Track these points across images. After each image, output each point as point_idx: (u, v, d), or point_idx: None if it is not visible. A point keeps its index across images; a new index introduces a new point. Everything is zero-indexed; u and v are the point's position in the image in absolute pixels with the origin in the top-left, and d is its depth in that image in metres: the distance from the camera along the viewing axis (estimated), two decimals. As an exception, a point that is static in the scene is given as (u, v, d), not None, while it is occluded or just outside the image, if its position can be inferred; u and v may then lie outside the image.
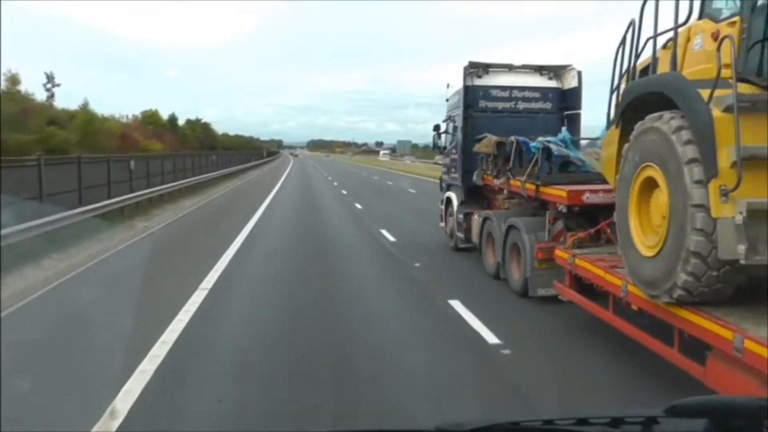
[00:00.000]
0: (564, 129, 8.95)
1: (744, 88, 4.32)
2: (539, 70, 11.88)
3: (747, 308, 4.40)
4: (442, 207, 13.17)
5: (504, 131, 10.00)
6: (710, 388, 4.36)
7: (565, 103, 11.49)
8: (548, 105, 11.61)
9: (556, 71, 11.83)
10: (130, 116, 50.85)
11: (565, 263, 6.75)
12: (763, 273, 4.34)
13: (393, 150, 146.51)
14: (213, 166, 35.89)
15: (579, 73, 11.36)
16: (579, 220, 7.50)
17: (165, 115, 56.74)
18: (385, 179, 42.80)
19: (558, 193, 7.63)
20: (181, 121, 62.26)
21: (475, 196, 11.33)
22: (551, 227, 7.75)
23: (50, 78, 41.41)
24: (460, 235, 11.61)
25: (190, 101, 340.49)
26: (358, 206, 21.64)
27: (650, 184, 4.74)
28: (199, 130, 66.12)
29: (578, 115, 11.37)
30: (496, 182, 9.70)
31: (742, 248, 3.81)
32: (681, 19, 4.86)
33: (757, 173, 3.90)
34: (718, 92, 4.04)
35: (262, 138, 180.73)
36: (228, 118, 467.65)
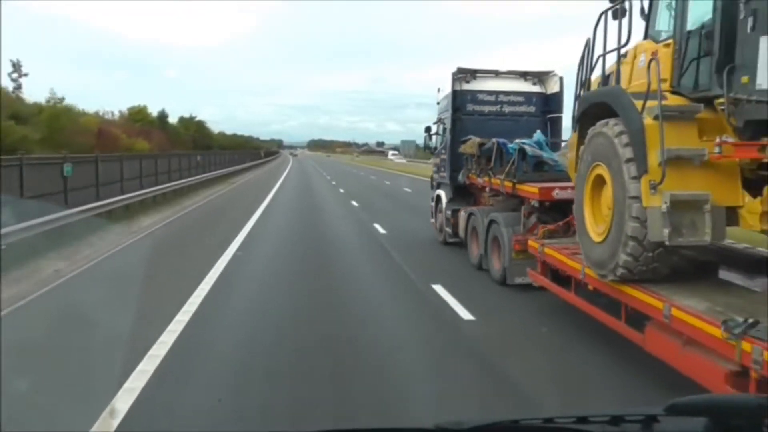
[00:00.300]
0: (538, 132, 9.76)
1: (676, 100, 5.15)
2: (524, 75, 12.69)
3: (680, 284, 5.21)
4: (433, 204, 13.99)
5: (490, 133, 10.78)
6: (649, 351, 5.18)
7: (548, 106, 12.31)
8: (532, 108, 12.41)
9: (539, 77, 12.63)
10: (116, 112, 47.30)
11: (536, 252, 7.57)
12: (693, 254, 5.19)
13: (396, 150, 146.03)
14: (198, 169, 31.63)
15: (561, 79, 12.17)
16: (550, 213, 8.32)
17: (155, 112, 52.71)
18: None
19: (531, 189, 8.47)
20: (173, 119, 59.48)
21: (463, 193, 12.13)
22: (526, 221, 8.58)
23: (16, 66, 36.24)
24: (448, 230, 12.42)
25: (190, 101, 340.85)
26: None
27: (600, 181, 5.57)
28: (193, 128, 62.65)
29: (560, 118, 12.18)
30: (479, 180, 10.53)
31: (666, 232, 4.63)
32: (632, 39, 5.70)
33: (680, 170, 4.71)
34: (649, 103, 4.87)
35: (262, 138, 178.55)
36: (228, 118, 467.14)
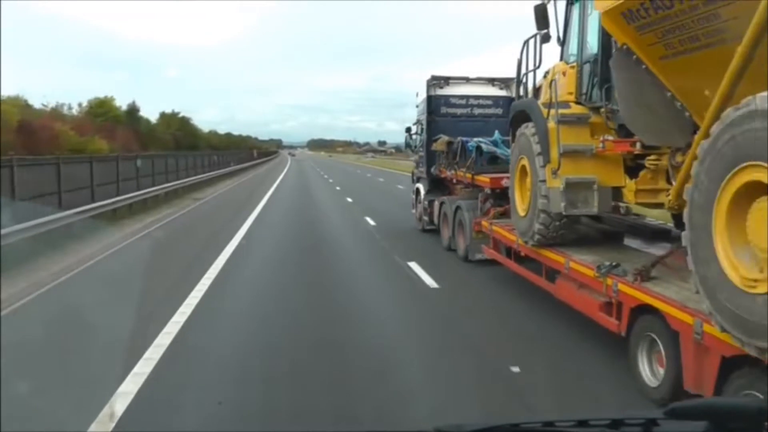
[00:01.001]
0: (497, 132, 11.49)
1: (578, 109, 6.88)
2: (491, 81, 14.37)
3: (586, 247, 6.91)
4: (413, 196, 15.72)
5: (462, 133, 12.45)
6: (558, 298, 6.91)
7: None
8: (499, 111, 14.05)
9: (506, 82, 14.31)
10: (77, 106, 39.91)
11: (487, 230, 9.32)
12: (605, 226, 6.96)
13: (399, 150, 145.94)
14: (137, 181, 21.41)
15: (524, 84, 13.93)
16: (501, 199, 10.04)
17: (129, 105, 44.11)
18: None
19: (485, 179, 10.21)
20: (153, 114, 53.73)
21: (438, 186, 13.83)
22: (482, 206, 10.30)
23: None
24: (426, 218, 14.15)
25: (190, 101, 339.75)
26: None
27: (524, 170, 7.31)
28: (176, 125, 55.24)
29: None
30: (448, 173, 12.27)
31: (563, 205, 6.37)
32: (554, 58, 7.47)
33: (575, 160, 6.45)
34: (552, 112, 6.61)
35: (261, 137, 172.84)
36: (228, 118, 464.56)
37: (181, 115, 60.17)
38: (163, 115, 56.91)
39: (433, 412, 4.55)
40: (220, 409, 4.75)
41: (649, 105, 5.25)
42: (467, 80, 14.34)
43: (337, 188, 32.48)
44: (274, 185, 34.03)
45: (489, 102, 14.16)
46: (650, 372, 5.08)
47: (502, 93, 14.34)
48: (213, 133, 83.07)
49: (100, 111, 38.56)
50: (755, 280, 3.69)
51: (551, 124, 6.58)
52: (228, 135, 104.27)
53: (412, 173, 16.38)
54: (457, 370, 5.66)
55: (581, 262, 6.28)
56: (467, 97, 14.13)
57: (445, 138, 12.40)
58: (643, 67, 5.22)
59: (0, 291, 7.90)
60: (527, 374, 5.48)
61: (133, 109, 43.87)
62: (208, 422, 4.60)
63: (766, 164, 3.57)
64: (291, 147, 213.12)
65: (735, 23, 4.01)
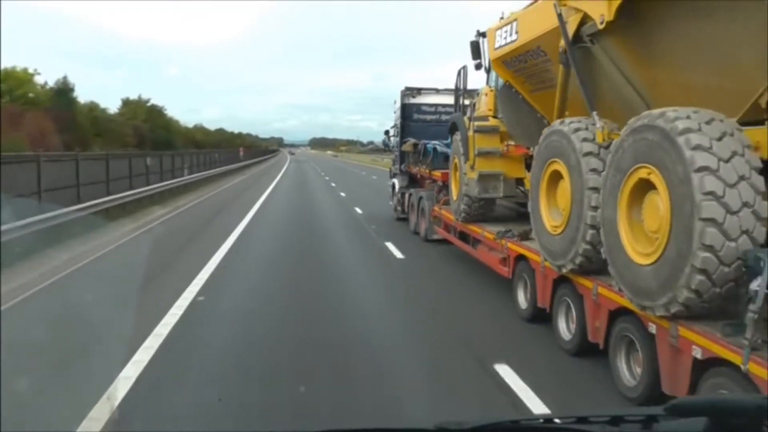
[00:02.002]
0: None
1: (494, 122, 9.46)
2: (469, 92, 17.01)
3: (501, 223, 9.46)
4: (390, 189, 18.30)
5: (431, 136, 14.98)
6: (477, 258, 9.48)
7: None
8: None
9: (470, 93, 16.95)
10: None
11: (438, 214, 11.91)
12: (523, 209, 9.52)
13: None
14: None
15: (484, 95, 16.55)
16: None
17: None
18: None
19: (437, 174, 12.79)
20: (113, 104, 45.38)
21: (410, 180, 16.40)
22: (437, 196, 12.88)
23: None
24: (399, 208, 16.73)
25: (191, 99, 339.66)
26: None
27: (456, 166, 9.92)
28: (143, 115, 45.04)
29: None
30: (414, 170, 14.85)
31: (477, 190, 8.97)
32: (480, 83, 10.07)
33: (486, 159, 9.03)
34: (472, 124, 9.21)
35: (262, 136, 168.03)
36: (230, 116, 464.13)
37: (151, 103, 49.25)
38: (126, 103, 45.47)
39: (432, 406, 4.79)
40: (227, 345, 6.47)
41: (525, 121, 7.83)
42: (437, 91, 16.88)
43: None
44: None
45: (454, 110, 16.79)
46: (523, 297, 7.61)
47: (466, 102, 16.97)
48: (199, 128, 75.23)
49: (18, 92, 27.63)
50: (647, 256, 4.68)
51: (471, 132, 9.18)
52: (220, 131, 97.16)
53: (390, 170, 18.96)
54: (409, 298, 8.56)
55: (489, 231, 8.87)
56: (436, 105, 16.66)
57: (412, 140, 14.99)
58: (520, 96, 7.81)
59: (0, 288, 8.16)
60: (450, 294, 8.13)
61: (64, 89, 31.22)
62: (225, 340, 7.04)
63: (653, 167, 4.56)
64: (292, 146, 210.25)
65: (553, 77, 6.61)
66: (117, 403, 4.82)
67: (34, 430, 4.31)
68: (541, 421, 1.66)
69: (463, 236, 10.42)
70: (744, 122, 4.77)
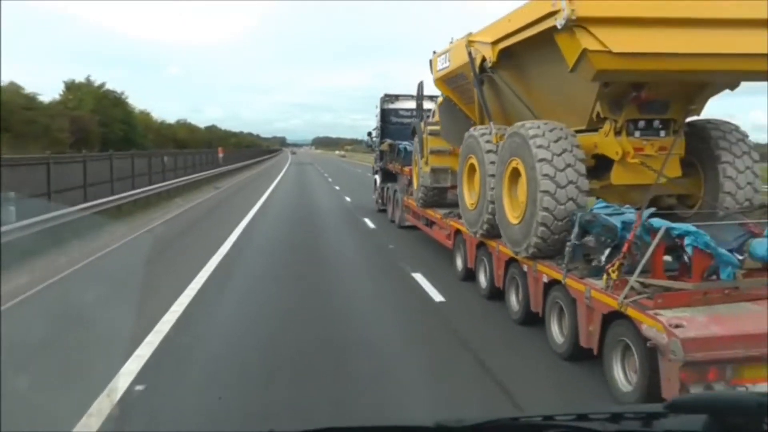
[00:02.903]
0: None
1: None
2: (432, 98, 19.28)
3: (450, 206, 11.78)
4: (373, 185, 20.61)
5: (406, 137, 17.17)
6: (433, 237, 11.79)
7: None
8: None
9: (435, 100, 19.28)
10: None
11: (407, 204, 14.24)
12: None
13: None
14: None
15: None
16: (418, 183, 14.97)
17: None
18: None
19: (407, 170, 15.09)
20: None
21: (388, 176, 18.69)
22: (407, 188, 15.19)
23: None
24: (380, 200, 19.05)
25: (193, 99, 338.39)
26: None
27: (416, 162, 12.25)
28: (90, 104, 35.26)
29: None
30: (390, 167, 17.17)
31: (430, 181, 11.31)
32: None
33: (437, 156, 11.35)
34: (427, 128, 11.53)
35: (264, 135, 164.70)
36: (232, 116, 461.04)
37: (105, 88, 39.13)
38: (70, 87, 36.21)
39: (432, 403, 4.99)
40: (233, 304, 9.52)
41: (461, 126, 10.11)
42: (413, 97, 19.19)
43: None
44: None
45: (428, 114, 19.10)
46: (460, 261, 9.86)
47: (431, 107, 19.30)
48: (183, 125, 66.51)
49: None
50: (513, 214, 7.15)
51: (425, 135, 11.51)
52: (212, 128, 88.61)
53: (373, 167, 21.29)
54: (379, 255, 11.17)
55: (439, 213, 11.18)
56: (411, 110, 18.93)
57: (388, 141, 17.32)
58: (457, 107, 10.13)
59: (0, 286, 8.40)
60: (397, 245, 10.51)
61: None
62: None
63: (518, 159, 6.85)
64: (295, 145, 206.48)
65: (473, 95, 8.94)
66: (118, 397, 4.94)
67: (34, 429, 4.28)
68: (541, 418, 1.64)
69: (427, 222, 12.77)
70: (588, 129, 7.12)
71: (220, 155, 40.88)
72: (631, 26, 5.85)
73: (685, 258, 5.45)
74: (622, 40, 5.77)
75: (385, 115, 18.81)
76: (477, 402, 5.09)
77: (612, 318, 5.34)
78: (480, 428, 1.56)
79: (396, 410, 4.80)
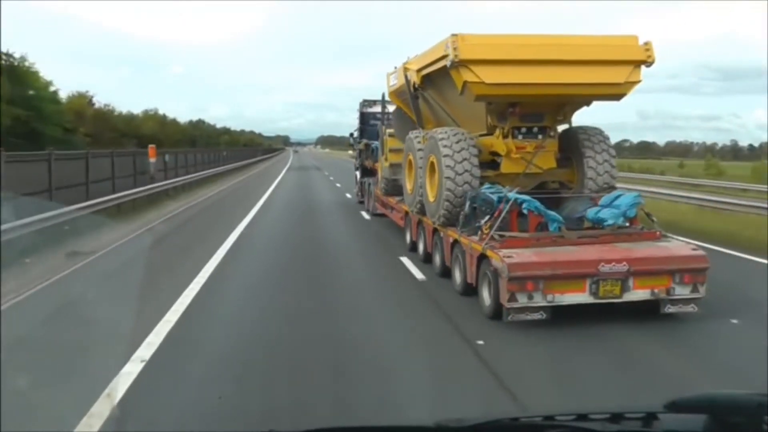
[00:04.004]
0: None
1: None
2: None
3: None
4: (355, 180, 23.43)
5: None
6: (391, 219, 14.59)
7: None
8: None
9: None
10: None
11: (376, 194, 17.03)
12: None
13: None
14: None
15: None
16: (387, 176, 17.76)
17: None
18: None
19: (377, 166, 17.90)
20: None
21: (367, 172, 21.48)
22: (378, 182, 17.98)
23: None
24: (359, 194, 21.86)
25: (197, 98, 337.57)
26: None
27: (380, 159, 15.06)
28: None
29: None
30: (366, 163, 19.98)
31: (389, 173, 14.11)
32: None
33: (395, 154, 14.12)
34: (386, 131, 14.34)
35: (267, 134, 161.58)
36: (236, 115, 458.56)
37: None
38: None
39: (433, 403, 4.92)
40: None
41: (407, 130, 12.85)
42: (390, 102, 22.03)
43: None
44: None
45: (389, 119, 21.89)
46: (408, 236, 12.63)
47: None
48: (152, 116, 53.39)
49: None
50: (431, 195, 10.22)
51: (385, 137, 14.31)
52: (198, 124, 72.79)
53: (354, 164, 24.11)
54: (361, 229, 13.58)
55: (395, 199, 13.96)
56: (388, 113, 21.79)
57: (365, 141, 20.13)
58: (407, 115, 12.92)
59: (0, 286, 8.46)
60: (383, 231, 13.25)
61: None
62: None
63: (433, 155, 10.30)
64: (299, 144, 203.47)
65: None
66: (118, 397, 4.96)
67: (34, 429, 4.29)
68: (541, 418, 1.63)
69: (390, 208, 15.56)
70: (487, 133, 9.91)
71: (151, 161, 23.64)
72: (499, 65, 8.64)
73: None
74: (491, 75, 8.57)
75: (363, 117, 21.59)
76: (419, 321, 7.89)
77: (480, 259, 8.11)
78: (480, 428, 1.55)
79: (396, 410, 4.85)
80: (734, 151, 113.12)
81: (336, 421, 4.08)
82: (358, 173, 22.49)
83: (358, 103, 21.78)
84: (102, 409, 4.75)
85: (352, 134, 24.04)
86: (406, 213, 12.70)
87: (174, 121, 60.56)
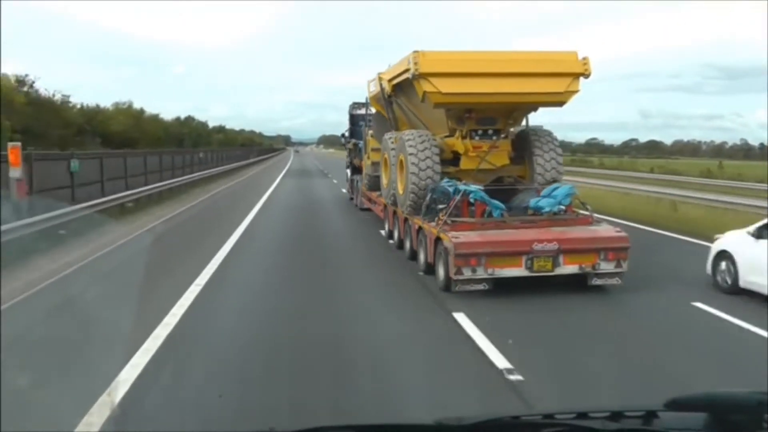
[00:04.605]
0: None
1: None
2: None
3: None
4: (346, 177, 24.99)
5: None
6: (375, 212, 16.16)
7: None
8: None
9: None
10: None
11: (362, 189, 18.59)
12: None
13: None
14: None
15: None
16: (373, 173, 19.34)
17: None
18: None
19: (362, 164, 19.48)
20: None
21: (356, 170, 23.02)
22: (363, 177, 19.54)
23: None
24: (350, 190, 23.42)
25: (198, 98, 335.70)
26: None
27: (363, 158, 16.64)
28: None
29: None
30: (355, 162, 21.54)
31: (372, 170, 15.68)
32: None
33: (375, 152, 15.67)
34: (368, 132, 15.92)
35: (268, 134, 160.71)
36: (238, 115, 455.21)
37: None
38: None
39: (433, 402, 5.04)
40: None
41: (383, 131, 14.39)
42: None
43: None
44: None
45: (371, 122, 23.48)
46: (387, 226, 14.22)
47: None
48: (123, 111, 44.26)
49: None
50: (401, 189, 11.97)
51: (367, 138, 15.88)
52: (188, 121, 62.11)
53: (346, 163, 25.69)
54: (348, 213, 15.14)
55: (377, 193, 15.50)
56: (371, 115, 23.37)
57: (353, 141, 21.70)
58: (384, 118, 14.47)
59: (0, 285, 8.54)
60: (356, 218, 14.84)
61: None
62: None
63: (402, 154, 11.94)
64: (300, 144, 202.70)
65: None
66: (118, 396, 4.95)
67: (35, 429, 4.31)
68: (541, 417, 1.63)
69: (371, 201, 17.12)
70: (449, 135, 11.47)
71: (13, 172, 13.77)
72: (454, 77, 10.19)
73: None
74: (447, 86, 10.13)
75: (353, 119, 23.11)
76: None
77: (437, 241, 9.66)
78: (480, 427, 1.56)
79: (396, 409, 4.91)
80: (744, 151, 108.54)
81: (336, 420, 4.12)
82: (348, 171, 24.04)
83: (348, 105, 23.33)
84: (103, 405, 4.81)
85: (343, 134, 25.59)
86: (385, 206, 14.25)
87: (154, 117, 50.50)
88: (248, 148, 72.62)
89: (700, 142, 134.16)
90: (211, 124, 75.40)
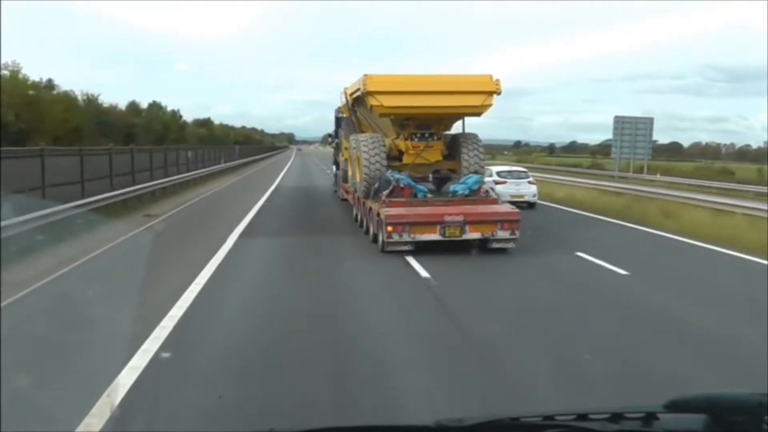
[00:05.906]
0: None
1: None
2: None
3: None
4: (333, 174, 28.53)
5: None
6: (351, 202, 19.69)
7: None
8: None
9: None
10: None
11: (342, 183, 22.11)
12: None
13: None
14: None
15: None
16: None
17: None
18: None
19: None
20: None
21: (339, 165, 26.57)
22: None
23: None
24: (335, 184, 26.95)
25: (202, 95, 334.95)
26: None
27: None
28: None
29: None
30: (338, 159, 25.05)
31: (345, 165, 19.20)
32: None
33: (347, 151, 19.21)
34: (342, 133, 19.45)
35: (271, 131, 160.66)
36: (242, 113, 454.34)
37: None
38: None
39: (432, 403, 5.13)
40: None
41: (351, 133, 17.84)
42: None
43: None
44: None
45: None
46: (354, 210, 17.67)
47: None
48: (94, 100, 38.96)
49: None
50: (359, 178, 15.70)
51: (342, 138, 19.40)
52: (175, 116, 53.38)
53: (333, 161, 29.26)
54: (333, 201, 18.76)
55: (348, 184, 18.99)
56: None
57: (336, 141, 25.25)
58: (352, 123, 17.98)
59: (0, 284, 8.56)
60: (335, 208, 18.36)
61: None
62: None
63: (357, 151, 15.83)
64: (304, 142, 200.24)
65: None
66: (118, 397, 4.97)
67: (34, 429, 4.32)
68: (541, 418, 1.64)
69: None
70: (396, 137, 14.99)
71: None
72: (394, 94, 13.69)
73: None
74: (389, 101, 13.64)
75: (338, 121, 26.51)
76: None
77: (378, 215, 13.14)
78: (480, 428, 1.56)
79: (396, 409, 4.97)
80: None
81: (336, 420, 4.15)
82: (334, 167, 27.57)
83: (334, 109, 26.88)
84: (103, 402, 4.86)
85: (330, 134, 29.14)
86: (353, 194, 17.75)
87: (96, 104, 40.32)
88: (229, 148, 53.25)
89: (718, 144, 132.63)
90: (216, 122, 68.20)
